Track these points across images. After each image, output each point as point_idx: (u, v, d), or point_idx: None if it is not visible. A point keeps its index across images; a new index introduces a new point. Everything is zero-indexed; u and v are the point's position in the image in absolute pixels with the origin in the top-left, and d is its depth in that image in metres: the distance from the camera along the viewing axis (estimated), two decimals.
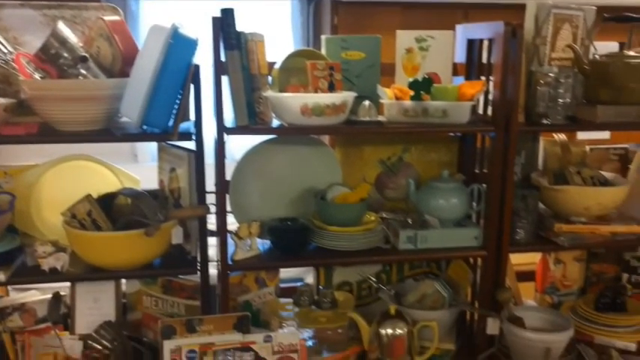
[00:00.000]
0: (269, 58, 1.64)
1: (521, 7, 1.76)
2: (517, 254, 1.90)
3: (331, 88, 1.63)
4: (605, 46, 1.96)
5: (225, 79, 1.56)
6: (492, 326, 1.76)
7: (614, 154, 2.11)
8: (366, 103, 1.69)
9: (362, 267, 1.93)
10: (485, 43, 1.79)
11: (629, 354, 1.78)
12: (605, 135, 2.53)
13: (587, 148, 2.03)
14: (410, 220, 1.81)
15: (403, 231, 1.74)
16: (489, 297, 1.79)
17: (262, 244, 1.75)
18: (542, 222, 1.84)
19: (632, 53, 1.77)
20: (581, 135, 2.20)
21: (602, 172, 1.91)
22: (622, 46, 1.98)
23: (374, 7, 2.84)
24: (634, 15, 1.81)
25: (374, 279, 1.94)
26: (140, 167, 2.58)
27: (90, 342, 1.63)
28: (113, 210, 1.69)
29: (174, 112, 1.56)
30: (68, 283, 1.76)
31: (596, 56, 1.78)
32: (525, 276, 2.15)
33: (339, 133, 1.84)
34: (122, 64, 1.64)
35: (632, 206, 1.90)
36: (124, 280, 1.83)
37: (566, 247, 1.79)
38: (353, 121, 1.68)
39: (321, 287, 1.91)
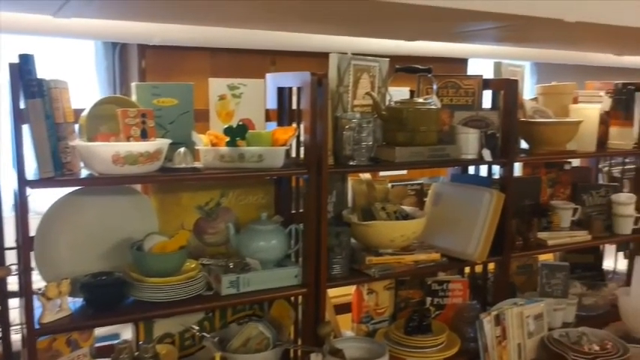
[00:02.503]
0: (75, 105, 1.56)
1: (324, 55, 1.89)
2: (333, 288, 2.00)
3: (144, 136, 1.59)
4: (400, 91, 2.19)
5: (26, 128, 1.45)
6: None
7: (412, 189, 2.33)
8: (182, 149, 1.68)
9: (184, 317, 1.88)
10: (295, 91, 1.89)
11: None
12: (402, 171, 2.79)
13: (389, 185, 2.22)
14: (231, 265, 1.81)
15: (225, 276, 1.74)
16: (311, 332, 1.85)
17: (74, 302, 1.63)
18: (355, 256, 1.97)
19: (421, 100, 1.99)
20: (382, 172, 2.41)
21: (403, 207, 2.10)
22: (412, 93, 2.21)
23: (183, 52, 2.84)
24: (420, 67, 2.04)
25: (197, 328, 1.90)
26: None
27: None
28: None
29: None
30: None
31: (392, 103, 1.98)
32: (342, 308, 2.26)
33: (155, 181, 1.79)
34: None
35: (429, 235, 2.11)
36: None
37: (377, 277, 1.93)
38: (168, 168, 1.65)
39: (141, 342, 1.82)
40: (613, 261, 2.73)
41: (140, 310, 1.64)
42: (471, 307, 2.18)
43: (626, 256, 2.67)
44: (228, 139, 1.69)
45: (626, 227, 2.50)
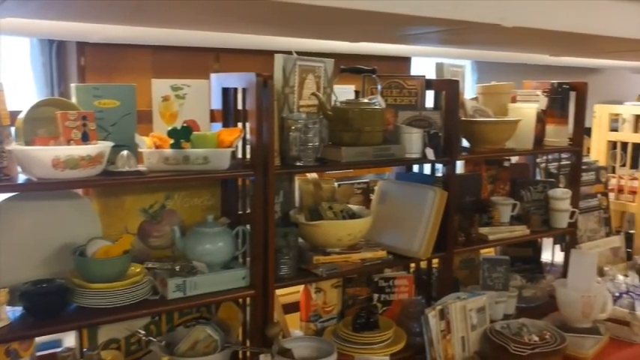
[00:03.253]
0: (10, 107, 1.51)
1: (269, 52, 1.89)
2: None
3: (85, 139, 1.55)
4: (345, 89, 2.21)
5: None
6: None
7: (358, 188, 2.36)
8: (125, 152, 1.64)
9: (130, 321, 1.84)
10: (240, 91, 1.88)
11: None
12: (348, 170, 2.81)
13: (336, 184, 2.24)
14: (178, 268, 1.79)
15: (171, 280, 1.71)
16: (260, 333, 1.85)
17: (13, 311, 1.57)
18: (303, 256, 1.98)
19: (366, 100, 2.02)
20: (329, 171, 2.42)
21: (350, 206, 2.12)
22: (357, 93, 2.24)
23: (123, 50, 2.77)
24: (365, 67, 2.07)
25: (143, 332, 1.87)
26: None
27: None
28: None
29: None
30: None
31: (337, 103, 1.99)
32: (290, 307, 2.27)
33: (97, 186, 1.74)
34: None
35: (376, 233, 2.14)
36: None
37: (325, 277, 1.94)
38: (111, 171, 1.62)
39: (85, 349, 1.78)
40: (550, 254, 2.84)
41: (84, 318, 1.60)
42: (416, 302, 2.23)
43: (562, 249, 2.78)
44: (172, 141, 1.66)
45: (562, 221, 2.60)
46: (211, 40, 2.64)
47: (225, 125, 1.93)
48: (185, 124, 1.72)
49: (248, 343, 1.93)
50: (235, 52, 3.01)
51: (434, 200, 2.13)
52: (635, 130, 2.96)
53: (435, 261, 2.34)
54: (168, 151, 1.66)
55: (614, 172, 3.09)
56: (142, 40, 2.59)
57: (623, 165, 3.04)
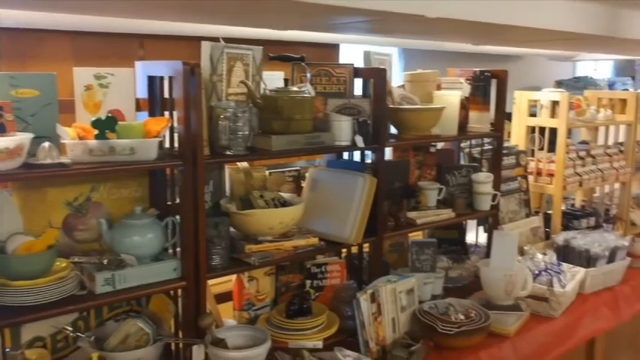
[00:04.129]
0: None
1: (195, 38, 1.85)
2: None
3: (2, 131, 1.48)
4: (274, 76, 2.21)
5: None
6: (197, 353, 1.81)
7: (290, 176, 2.37)
8: (46, 144, 1.57)
9: (56, 318, 1.78)
10: (167, 79, 1.84)
11: (318, 351, 2.02)
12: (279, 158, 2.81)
13: (267, 172, 2.24)
14: (105, 261, 1.74)
15: (99, 273, 1.67)
16: (193, 325, 1.83)
17: None
18: (235, 245, 1.97)
19: (295, 88, 2.02)
20: (260, 160, 2.41)
21: (281, 194, 2.13)
22: (287, 81, 2.24)
23: (40, 35, 2.65)
24: (294, 55, 2.07)
25: (70, 328, 1.82)
26: None
27: None
28: None
29: None
30: None
31: (267, 91, 1.99)
32: (223, 297, 2.26)
33: (17, 179, 1.66)
34: None
35: (308, 220, 2.16)
36: None
37: (258, 265, 1.95)
38: (32, 164, 1.55)
39: (7, 349, 1.71)
40: (474, 235, 2.95)
41: (5, 316, 1.54)
42: (348, 287, 2.27)
43: (485, 230, 2.90)
44: (96, 131, 1.62)
45: (485, 204, 2.71)
46: (135, 26, 2.57)
47: (152, 114, 1.88)
48: (110, 114, 1.67)
49: (181, 335, 1.91)
50: (160, 39, 2.94)
51: (364, 186, 2.17)
52: (552, 116, 3.10)
53: (366, 246, 2.38)
54: (93, 142, 1.61)
55: (533, 155, 3.23)
56: (59, 25, 2.49)
57: (542, 149, 3.19)
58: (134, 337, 1.79)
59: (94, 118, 1.63)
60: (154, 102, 1.89)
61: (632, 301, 2.86)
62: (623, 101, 3.58)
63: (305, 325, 2.05)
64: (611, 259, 2.83)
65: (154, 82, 1.88)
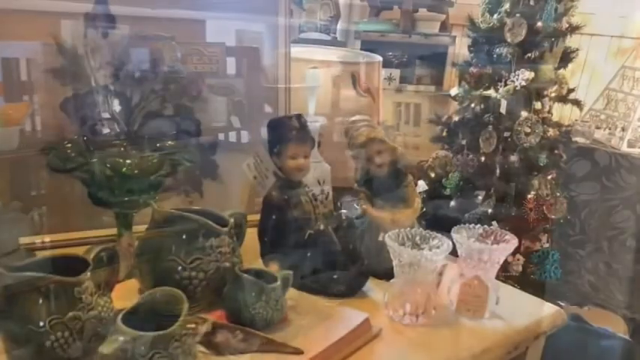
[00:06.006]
0: None
1: (53, 15, 1.70)
2: None
3: None
4: None
5: None
6: None
7: None
8: None
9: None
10: (24, 61, 1.69)
11: None
12: None
13: None
14: None
15: None
16: None
17: None
18: None
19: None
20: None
21: None
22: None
23: None
24: (164, 34, 1.98)
25: None
26: None
27: None
28: None
29: None
30: None
31: None
32: None
33: None
34: None
35: None
36: None
37: None
38: None
39: None
40: None
41: None
42: None
43: None
44: None
45: None
46: None
47: (9, 100, 1.73)
48: None
49: None
50: (9, 14, 2.69)
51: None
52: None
53: None
54: None
55: (398, 129, 3.39)
56: None
57: (407, 123, 3.36)
58: None
59: None
60: (11, 86, 1.74)
61: None
62: None
63: None
64: None
65: (9, 65, 1.72)
